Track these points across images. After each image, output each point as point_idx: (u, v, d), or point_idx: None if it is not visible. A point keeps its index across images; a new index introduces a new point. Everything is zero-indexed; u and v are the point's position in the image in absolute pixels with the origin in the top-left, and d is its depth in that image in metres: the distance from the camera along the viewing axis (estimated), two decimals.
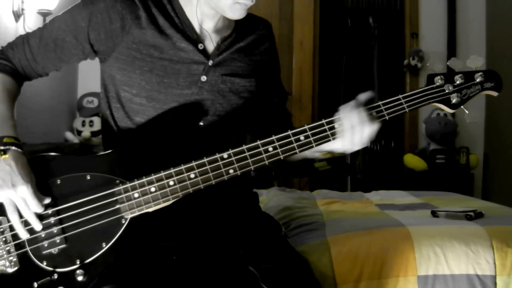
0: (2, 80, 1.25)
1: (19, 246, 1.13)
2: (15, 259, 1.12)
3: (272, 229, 1.36)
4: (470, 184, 3.80)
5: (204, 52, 1.28)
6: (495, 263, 1.55)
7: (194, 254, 1.24)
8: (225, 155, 1.15)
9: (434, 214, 1.95)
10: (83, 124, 3.56)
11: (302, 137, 1.18)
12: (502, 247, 1.57)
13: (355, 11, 4.60)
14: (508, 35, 4.33)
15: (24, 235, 1.12)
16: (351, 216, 2.00)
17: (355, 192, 2.91)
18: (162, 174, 1.15)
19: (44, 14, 2.90)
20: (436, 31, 4.09)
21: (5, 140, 1.14)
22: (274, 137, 1.17)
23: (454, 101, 1.23)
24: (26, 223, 1.13)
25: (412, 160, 3.83)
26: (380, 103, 1.21)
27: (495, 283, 1.53)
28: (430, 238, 1.60)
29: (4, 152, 1.13)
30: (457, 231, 1.65)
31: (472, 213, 1.86)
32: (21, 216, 1.12)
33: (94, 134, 3.53)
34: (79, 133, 3.55)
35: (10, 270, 1.11)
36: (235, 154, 1.16)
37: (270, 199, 2.46)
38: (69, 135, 3.57)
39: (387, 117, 1.21)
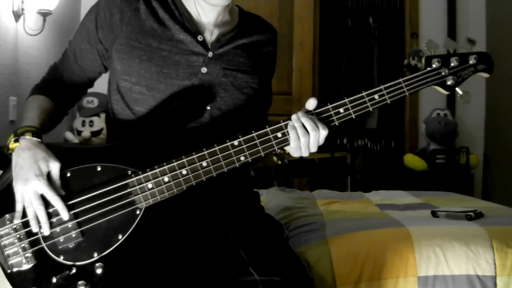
0: (37, 98, 1.33)
1: (34, 242, 1.13)
2: (30, 255, 1.13)
3: (275, 231, 1.36)
4: (470, 184, 3.79)
5: (203, 43, 1.29)
6: (495, 264, 1.55)
7: (195, 255, 1.23)
8: (235, 142, 1.17)
9: (434, 214, 1.95)
10: (83, 124, 3.55)
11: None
12: (502, 247, 1.57)
13: (355, 11, 4.60)
14: (508, 35, 4.33)
15: (47, 230, 1.12)
16: (351, 216, 2.00)
17: (355, 192, 2.91)
18: (175, 163, 1.15)
19: (44, 14, 2.89)
20: (436, 31, 4.08)
21: (18, 131, 1.18)
22: (282, 123, 1.19)
23: (449, 83, 1.28)
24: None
25: (412, 160, 3.83)
26: (382, 86, 1.23)
27: (495, 284, 1.53)
28: (430, 239, 1.59)
29: (17, 141, 1.17)
30: (457, 231, 1.65)
31: (472, 213, 1.85)
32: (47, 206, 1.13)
33: (94, 134, 3.52)
34: (79, 133, 3.55)
35: (26, 267, 1.12)
36: (246, 141, 1.17)
37: (270, 199, 2.46)
38: (69, 135, 3.56)
39: (388, 101, 1.23)
